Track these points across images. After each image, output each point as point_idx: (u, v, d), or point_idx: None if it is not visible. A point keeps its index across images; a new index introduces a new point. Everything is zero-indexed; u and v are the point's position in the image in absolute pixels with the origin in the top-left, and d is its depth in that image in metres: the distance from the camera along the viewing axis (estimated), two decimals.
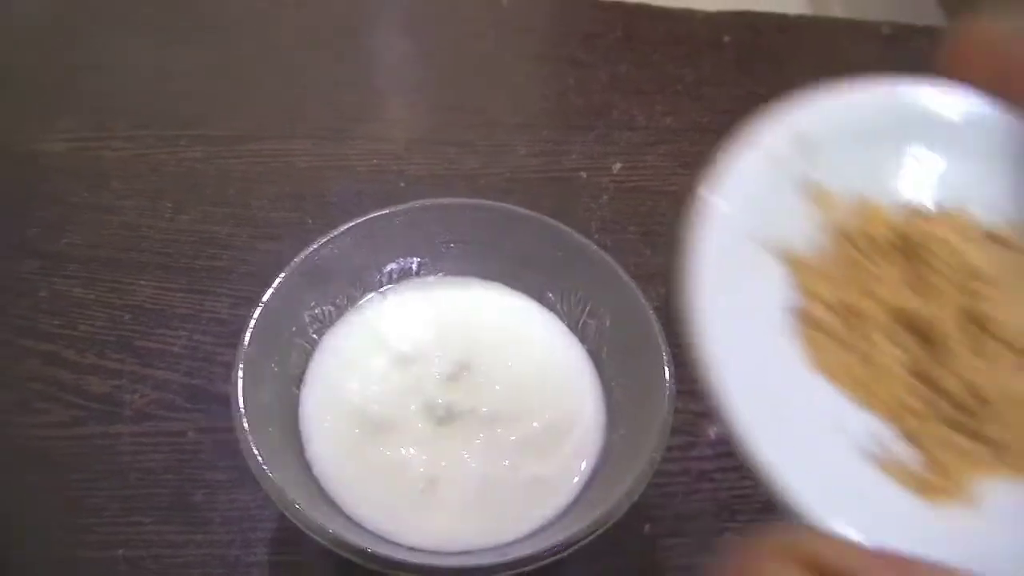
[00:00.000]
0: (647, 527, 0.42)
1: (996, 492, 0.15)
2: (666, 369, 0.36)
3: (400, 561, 0.31)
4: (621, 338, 0.41)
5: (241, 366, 0.35)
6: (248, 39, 0.69)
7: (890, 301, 0.16)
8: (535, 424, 0.39)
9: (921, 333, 0.16)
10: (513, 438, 0.39)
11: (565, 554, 0.32)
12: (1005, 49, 0.17)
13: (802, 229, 0.16)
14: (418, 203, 0.42)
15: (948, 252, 0.16)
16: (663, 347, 0.37)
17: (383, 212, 0.42)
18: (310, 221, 0.54)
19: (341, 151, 0.60)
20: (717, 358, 0.15)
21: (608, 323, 0.41)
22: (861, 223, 0.16)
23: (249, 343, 0.36)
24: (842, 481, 0.15)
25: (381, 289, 0.43)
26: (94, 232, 0.53)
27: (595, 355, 0.42)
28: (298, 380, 0.40)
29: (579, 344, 0.43)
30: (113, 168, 0.57)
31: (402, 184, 0.57)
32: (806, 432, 0.15)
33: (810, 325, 0.16)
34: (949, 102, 0.17)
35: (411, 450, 0.38)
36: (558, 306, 0.44)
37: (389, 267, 0.43)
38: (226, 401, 0.44)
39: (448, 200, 0.43)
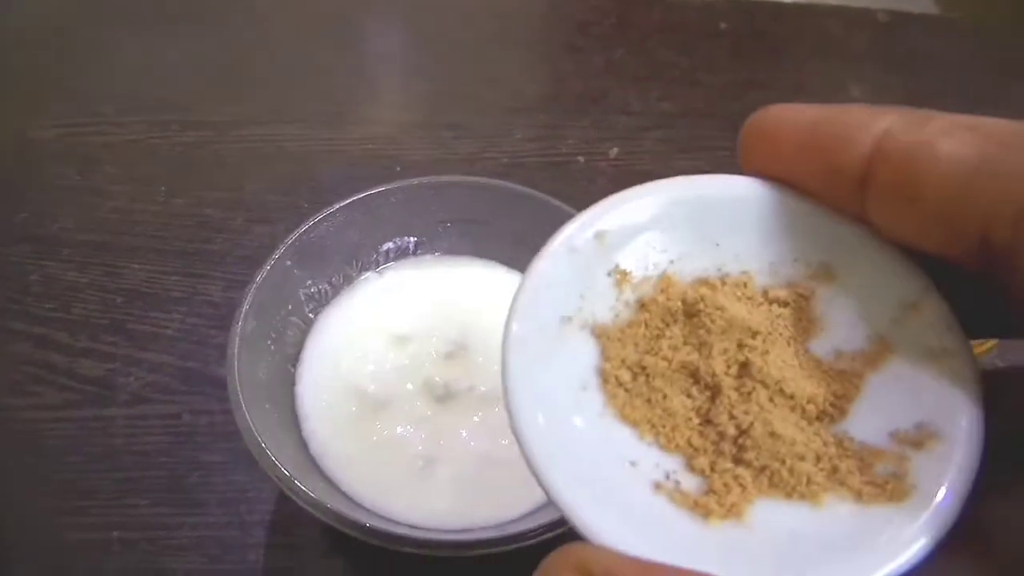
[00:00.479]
0: None
1: (765, 511, 0.17)
2: None
3: (400, 536, 0.31)
4: None
5: (237, 342, 0.34)
6: (239, 25, 0.69)
7: (675, 358, 0.19)
8: None
9: (702, 383, 0.19)
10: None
11: (564, 530, 0.32)
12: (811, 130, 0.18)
13: (610, 307, 0.19)
14: (415, 180, 0.42)
15: (721, 314, 0.19)
16: None
17: (379, 189, 0.41)
18: (305, 205, 0.53)
19: (334, 136, 0.59)
20: (525, 412, 0.18)
21: None
22: (657, 295, 0.20)
23: (245, 320, 0.35)
24: (631, 508, 0.17)
25: (377, 268, 0.43)
26: (86, 216, 0.52)
27: None
28: (294, 358, 0.39)
29: None
30: (105, 153, 0.57)
31: (398, 168, 0.57)
32: (603, 469, 0.18)
33: (611, 383, 0.19)
34: (732, 187, 0.20)
35: (409, 428, 0.37)
36: None
37: (385, 246, 0.43)
38: (221, 384, 0.44)
39: (445, 178, 0.42)
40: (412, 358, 0.40)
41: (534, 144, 0.60)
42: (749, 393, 0.18)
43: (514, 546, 0.32)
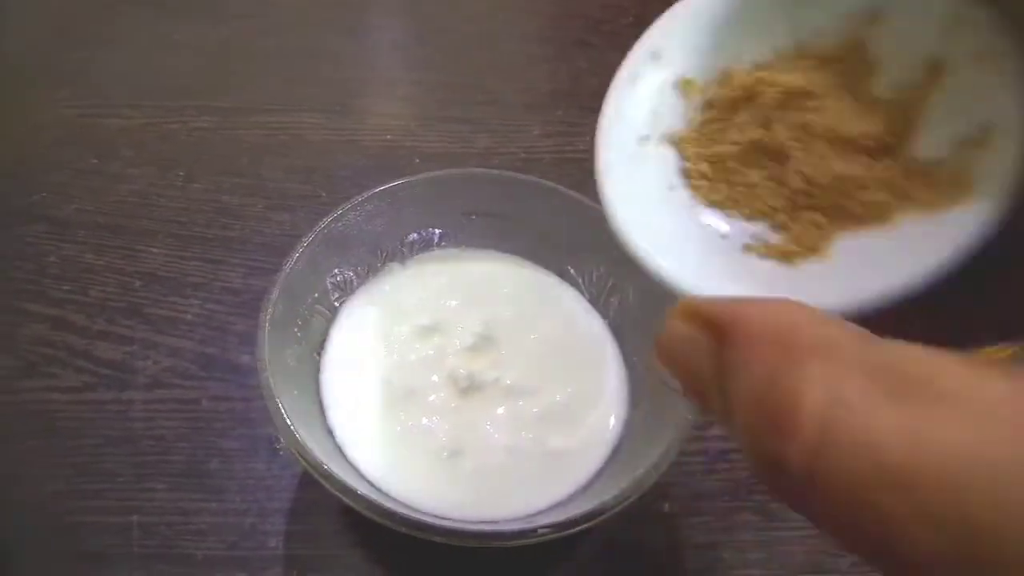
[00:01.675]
0: (665, 505, 0.42)
1: (843, 244, 0.19)
2: None
3: (429, 524, 0.31)
4: (644, 313, 0.40)
5: (267, 326, 0.34)
6: (254, 10, 0.68)
7: (744, 139, 0.21)
8: (557, 397, 0.39)
9: (771, 153, 0.21)
10: (536, 411, 0.38)
11: (591, 524, 0.32)
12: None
13: (681, 115, 0.21)
14: (443, 172, 0.42)
15: (776, 89, 0.21)
16: None
17: (406, 180, 0.41)
18: (323, 194, 0.53)
19: (351, 126, 0.59)
20: (627, 221, 0.20)
21: (631, 298, 0.41)
22: (720, 90, 0.21)
23: (275, 304, 0.35)
24: (727, 268, 0.20)
25: (402, 259, 0.43)
26: (103, 199, 0.52)
27: (617, 330, 0.42)
28: (319, 346, 0.39)
29: (601, 318, 0.42)
30: (121, 136, 0.56)
31: (416, 160, 0.56)
32: (700, 245, 0.20)
33: (695, 177, 0.21)
34: None
35: (434, 419, 0.37)
36: (579, 281, 0.43)
37: (410, 237, 0.43)
38: (240, 371, 0.44)
39: (472, 170, 0.43)
40: (436, 349, 0.40)
41: (551, 140, 0.60)
42: (812, 148, 0.20)
43: (539, 539, 0.32)
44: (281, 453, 0.41)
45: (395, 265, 0.43)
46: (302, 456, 0.31)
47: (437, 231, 0.43)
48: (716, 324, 0.17)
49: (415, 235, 0.43)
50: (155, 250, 0.49)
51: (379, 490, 0.35)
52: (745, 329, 0.16)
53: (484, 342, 0.40)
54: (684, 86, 0.21)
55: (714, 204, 0.21)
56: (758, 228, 0.21)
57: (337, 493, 0.31)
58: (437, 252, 0.44)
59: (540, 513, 0.36)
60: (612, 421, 0.39)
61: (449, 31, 0.70)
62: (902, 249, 0.18)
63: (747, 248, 0.20)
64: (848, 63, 0.21)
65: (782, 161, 0.21)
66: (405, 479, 0.36)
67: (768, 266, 0.20)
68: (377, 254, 0.42)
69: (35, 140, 0.56)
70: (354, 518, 0.35)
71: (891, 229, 0.19)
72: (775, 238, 0.20)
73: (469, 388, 0.38)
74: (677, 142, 0.21)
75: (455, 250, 0.44)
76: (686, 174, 0.21)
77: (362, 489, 0.31)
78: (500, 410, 0.38)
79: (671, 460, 0.34)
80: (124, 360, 0.44)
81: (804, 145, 0.20)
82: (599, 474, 0.37)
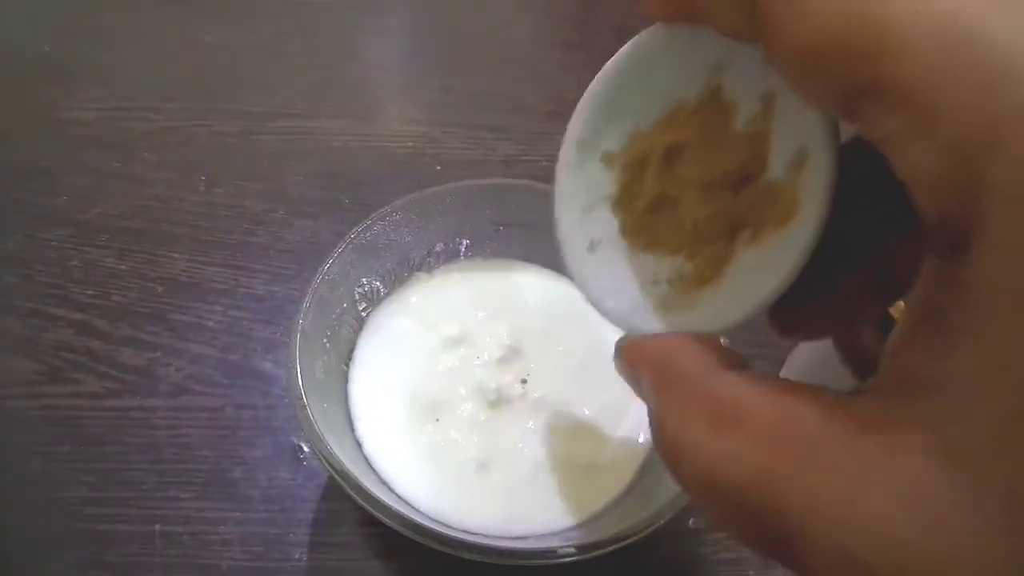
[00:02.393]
0: (691, 520, 0.41)
1: (730, 272, 0.22)
2: None
3: (459, 540, 0.31)
4: None
5: (299, 339, 0.34)
6: (277, 16, 0.68)
7: (650, 193, 0.24)
8: (586, 411, 0.39)
9: (668, 202, 0.24)
10: (564, 425, 0.38)
11: (630, 542, 0.32)
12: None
13: (612, 181, 0.25)
14: (471, 182, 0.41)
15: (661, 146, 0.24)
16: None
17: (434, 190, 0.41)
18: (346, 201, 0.53)
19: (374, 132, 0.59)
20: (577, 269, 0.25)
21: None
22: (629, 155, 0.25)
23: (305, 316, 0.35)
24: (649, 304, 0.24)
25: (428, 269, 0.43)
26: (126, 202, 0.52)
27: None
28: (347, 357, 0.39)
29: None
30: (143, 139, 0.56)
31: (438, 167, 0.56)
32: (630, 284, 0.24)
33: (626, 229, 0.25)
34: (639, 47, 0.24)
35: (463, 432, 0.37)
36: None
37: (437, 247, 0.43)
38: (264, 378, 0.44)
39: (500, 180, 0.42)
40: (463, 361, 0.40)
41: None
42: (689, 194, 0.24)
43: (564, 560, 0.31)
44: (305, 463, 0.41)
45: (422, 275, 0.42)
46: (333, 468, 0.31)
47: (464, 241, 0.43)
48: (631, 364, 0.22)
49: (441, 245, 0.43)
50: (177, 255, 0.49)
51: (406, 502, 0.35)
52: (644, 368, 0.21)
53: (512, 354, 0.40)
54: (607, 159, 0.25)
55: (644, 250, 0.25)
56: (676, 265, 0.24)
57: (366, 506, 0.31)
58: (464, 262, 0.43)
59: (569, 529, 0.36)
60: (641, 436, 0.38)
61: (473, 37, 0.70)
62: (764, 265, 0.21)
63: (670, 283, 0.24)
64: (710, 110, 0.24)
65: (672, 207, 0.25)
66: (433, 492, 0.36)
67: (683, 299, 0.24)
68: (404, 264, 0.42)
69: (58, 142, 0.56)
70: (378, 529, 0.35)
71: (758, 248, 0.22)
72: (687, 274, 0.24)
73: (497, 401, 0.38)
74: (612, 205, 0.25)
75: (482, 260, 0.43)
76: (620, 227, 0.25)
77: (390, 502, 0.31)
78: (529, 424, 0.38)
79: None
80: (148, 366, 0.44)
81: (685, 192, 0.24)
82: (630, 489, 0.37)
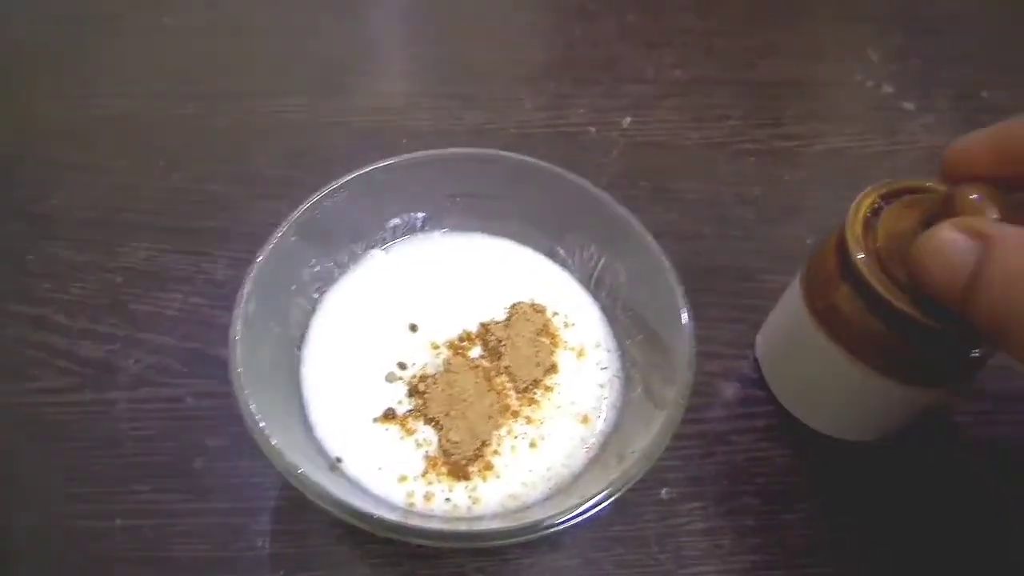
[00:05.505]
0: (663, 491, 0.40)
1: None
2: (685, 322, 0.34)
3: (411, 527, 0.30)
4: (637, 293, 0.39)
5: (239, 326, 0.33)
6: None
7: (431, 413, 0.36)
8: (549, 384, 0.38)
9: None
10: (528, 398, 0.37)
11: (584, 518, 0.31)
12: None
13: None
14: (421, 153, 0.40)
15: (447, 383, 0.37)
16: (681, 300, 0.35)
17: (385, 163, 0.39)
18: (309, 179, 0.51)
19: (339, 106, 0.58)
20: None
21: (623, 278, 0.39)
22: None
23: (247, 301, 0.34)
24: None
25: (384, 245, 0.42)
26: (84, 193, 0.51)
27: (609, 311, 0.40)
28: (299, 341, 0.38)
29: (592, 300, 0.41)
30: (101, 127, 0.55)
31: (404, 140, 0.55)
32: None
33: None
34: None
35: (420, 412, 0.36)
36: (569, 261, 0.42)
37: (392, 222, 0.41)
38: (224, 365, 0.42)
39: (452, 150, 0.41)
40: (423, 339, 0.38)
41: (544, 114, 0.58)
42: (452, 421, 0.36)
43: (524, 538, 0.30)
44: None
45: (377, 252, 0.41)
46: (275, 461, 0.30)
47: (420, 215, 0.42)
48: (985, 234, 0.27)
49: (397, 220, 0.42)
50: (136, 244, 0.48)
51: (360, 487, 0.34)
52: (1005, 241, 0.27)
53: (473, 329, 0.39)
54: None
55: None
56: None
57: (314, 499, 0.30)
58: (420, 236, 0.42)
59: (533, 505, 0.35)
60: (605, 406, 0.37)
61: (435, 6, 0.68)
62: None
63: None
64: (489, 349, 0.38)
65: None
66: (390, 477, 0.35)
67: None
68: (358, 241, 0.41)
69: (12, 134, 0.55)
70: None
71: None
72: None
73: (458, 378, 0.37)
74: None
75: (439, 234, 0.42)
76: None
77: (336, 490, 0.30)
78: (490, 400, 0.37)
79: (663, 447, 0.32)
80: (107, 358, 0.43)
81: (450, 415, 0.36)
82: (594, 460, 0.36)
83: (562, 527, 0.30)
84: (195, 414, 0.41)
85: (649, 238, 0.37)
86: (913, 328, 0.33)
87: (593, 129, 0.57)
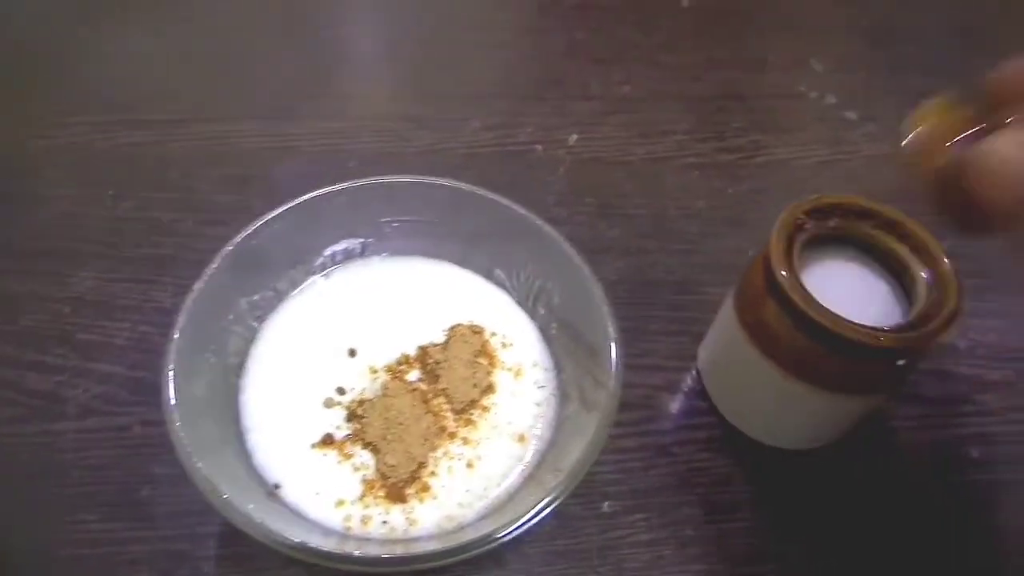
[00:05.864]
0: (605, 504, 0.41)
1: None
2: (612, 341, 0.35)
3: (339, 555, 0.30)
4: (569, 314, 0.40)
5: (172, 358, 0.33)
6: (183, 18, 0.67)
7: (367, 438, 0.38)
8: (486, 404, 0.38)
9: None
10: (464, 419, 0.38)
11: (514, 535, 0.31)
12: None
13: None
14: (359, 182, 0.41)
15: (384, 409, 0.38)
16: (609, 321, 0.36)
17: (322, 192, 0.40)
18: (257, 204, 0.52)
19: (287, 131, 0.58)
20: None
21: (556, 299, 0.40)
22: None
23: (180, 334, 0.34)
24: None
25: (324, 272, 0.42)
26: (29, 223, 0.51)
27: (545, 331, 0.41)
28: (238, 369, 0.39)
29: (530, 321, 0.42)
30: (46, 157, 0.55)
31: (351, 164, 0.55)
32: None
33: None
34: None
35: (358, 436, 0.37)
36: (507, 283, 0.42)
37: (331, 249, 0.42)
38: None
39: (390, 178, 0.41)
40: (362, 364, 0.39)
41: (491, 133, 0.59)
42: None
43: (464, 556, 0.31)
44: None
45: (317, 279, 0.42)
46: (204, 490, 0.31)
47: (359, 241, 0.43)
48: None
49: (336, 247, 0.42)
50: (84, 274, 0.48)
51: (298, 514, 0.35)
52: None
53: (413, 353, 0.40)
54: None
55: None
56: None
57: (240, 527, 0.30)
58: (360, 262, 0.43)
59: (468, 526, 0.35)
60: (541, 424, 0.38)
61: (389, 24, 0.69)
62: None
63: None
64: (425, 371, 0.39)
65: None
66: (327, 501, 0.35)
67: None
68: (298, 268, 0.42)
69: None
70: None
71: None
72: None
73: (396, 403, 0.38)
74: None
75: (379, 259, 0.43)
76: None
77: (270, 519, 0.31)
78: (428, 423, 0.37)
79: (599, 449, 0.33)
80: (55, 390, 0.44)
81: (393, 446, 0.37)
82: (530, 478, 0.37)
83: (494, 544, 0.31)
84: (143, 442, 0.42)
85: (578, 259, 0.38)
86: (837, 341, 0.34)
87: (540, 147, 0.58)
